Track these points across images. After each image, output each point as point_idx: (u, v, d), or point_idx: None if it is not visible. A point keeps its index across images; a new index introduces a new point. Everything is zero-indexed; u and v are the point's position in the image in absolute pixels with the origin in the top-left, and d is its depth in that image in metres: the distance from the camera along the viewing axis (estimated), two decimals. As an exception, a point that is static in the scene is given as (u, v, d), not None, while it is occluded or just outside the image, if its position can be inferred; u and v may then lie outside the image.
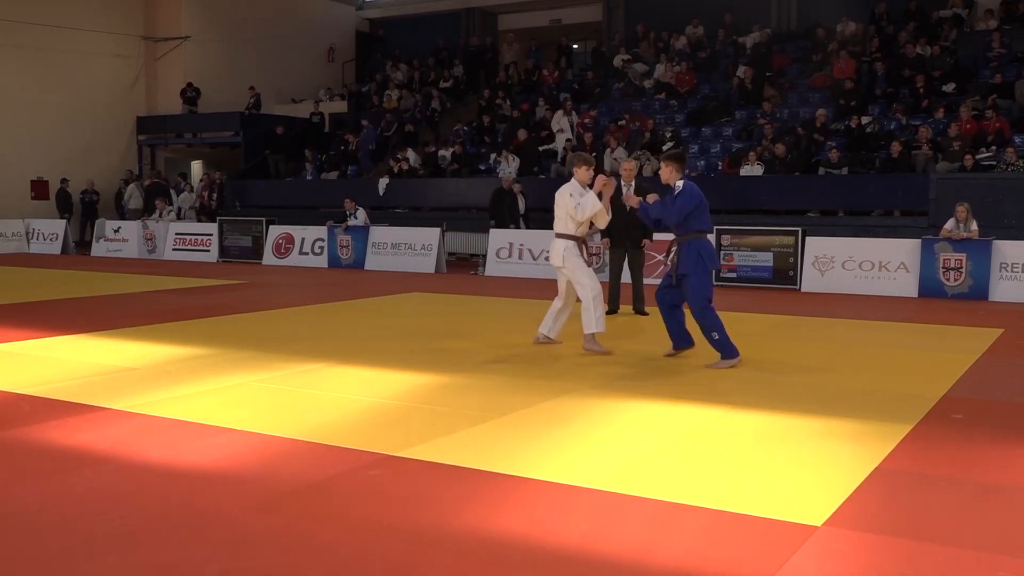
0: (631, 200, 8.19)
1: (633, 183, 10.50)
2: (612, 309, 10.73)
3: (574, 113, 20.73)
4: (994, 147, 15.96)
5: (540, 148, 20.49)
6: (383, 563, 3.61)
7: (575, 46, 27.94)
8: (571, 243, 8.16)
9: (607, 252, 11.47)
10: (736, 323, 8.72)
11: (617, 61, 23.31)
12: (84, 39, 24.71)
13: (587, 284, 8.08)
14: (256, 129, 24.92)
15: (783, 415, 5.92)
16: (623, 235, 10.74)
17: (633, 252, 11.01)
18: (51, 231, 22.57)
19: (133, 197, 23.97)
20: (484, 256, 17.00)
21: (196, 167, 27.50)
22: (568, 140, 19.79)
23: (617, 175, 10.37)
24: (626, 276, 11.10)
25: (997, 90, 17.43)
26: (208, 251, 20.20)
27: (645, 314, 10.70)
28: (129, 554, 3.66)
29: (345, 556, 3.65)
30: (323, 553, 3.67)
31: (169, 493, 4.39)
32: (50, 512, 4.14)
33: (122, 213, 23.98)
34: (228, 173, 24.34)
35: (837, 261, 13.86)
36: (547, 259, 15.30)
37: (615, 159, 17.86)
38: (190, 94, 25.78)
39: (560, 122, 20.45)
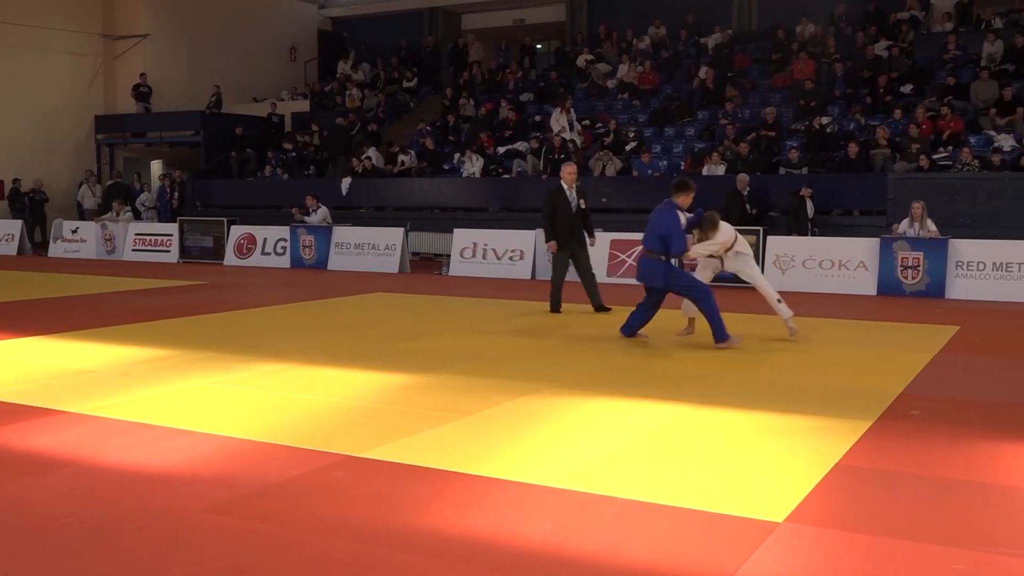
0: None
1: (575, 185, 10.76)
2: (556, 308, 10.77)
3: (572, 111, 20.37)
4: (950, 147, 16.22)
5: (503, 148, 20.43)
6: (346, 564, 3.59)
7: (538, 46, 27.97)
8: None
9: (552, 255, 11.12)
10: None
11: (580, 61, 23.36)
12: (41, 36, 24.28)
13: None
14: (217, 128, 24.67)
15: (744, 412, 5.97)
16: (570, 236, 10.79)
17: (579, 252, 10.99)
18: (6, 232, 22.17)
19: (87, 197, 23.63)
20: (448, 256, 16.98)
21: (155, 166, 27.15)
22: (570, 140, 19.49)
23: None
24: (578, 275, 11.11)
25: (952, 91, 17.71)
26: (168, 251, 19.95)
27: (607, 310, 10.71)
28: (90, 557, 3.62)
29: (308, 557, 3.63)
30: (286, 554, 3.65)
31: (129, 496, 4.34)
32: (8, 517, 4.08)
33: (80, 213, 23.61)
34: (189, 173, 24.07)
35: (798, 260, 14.01)
36: (511, 260, 15.75)
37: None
38: (143, 89, 25.39)
39: (560, 120, 20.15)
